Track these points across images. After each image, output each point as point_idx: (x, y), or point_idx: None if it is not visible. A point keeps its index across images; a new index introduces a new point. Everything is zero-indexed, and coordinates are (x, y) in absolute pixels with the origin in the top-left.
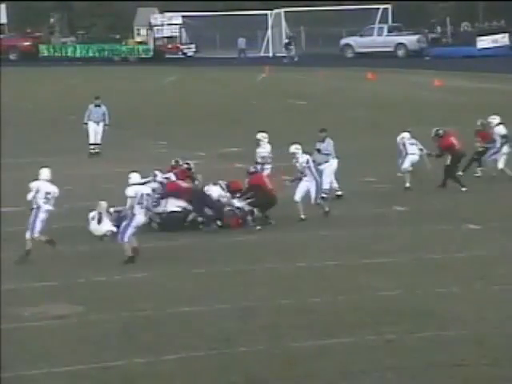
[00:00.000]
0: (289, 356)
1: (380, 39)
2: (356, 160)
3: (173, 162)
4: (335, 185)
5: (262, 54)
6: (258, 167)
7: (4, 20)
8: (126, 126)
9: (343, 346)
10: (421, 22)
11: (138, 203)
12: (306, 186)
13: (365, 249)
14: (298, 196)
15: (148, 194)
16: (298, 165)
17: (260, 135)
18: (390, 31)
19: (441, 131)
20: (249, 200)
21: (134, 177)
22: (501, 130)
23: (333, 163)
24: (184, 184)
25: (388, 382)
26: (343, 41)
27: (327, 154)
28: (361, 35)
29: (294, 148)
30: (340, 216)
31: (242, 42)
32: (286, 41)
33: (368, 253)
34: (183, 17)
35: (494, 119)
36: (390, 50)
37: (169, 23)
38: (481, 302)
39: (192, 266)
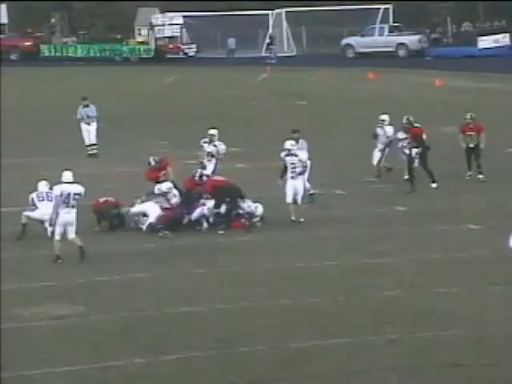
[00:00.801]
0: (289, 356)
1: (381, 39)
2: (356, 160)
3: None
4: (308, 184)
5: (263, 54)
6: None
7: (5, 20)
8: (127, 126)
9: (344, 346)
10: (422, 21)
11: (64, 202)
12: (294, 185)
13: (365, 249)
14: (289, 198)
15: (76, 194)
16: (294, 159)
17: (213, 131)
18: (390, 31)
19: (412, 118)
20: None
21: (66, 175)
22: None
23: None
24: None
25: (389, 382)
26: (344, 41)
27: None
28: (362, 35)
29: (290, 144)
30: (340, 216)
31: (231, 42)
32: (268, 41)
33: (368, 253)
34: (184, 17)
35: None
36: (391, 50)
37: (170, 23)
38: (481, 302)
39: (192, 266)
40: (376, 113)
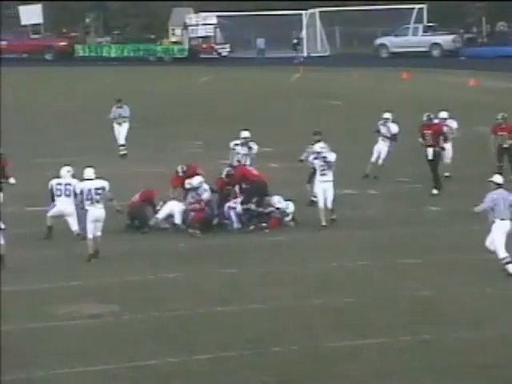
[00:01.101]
0: (321, 356)
1: (415, 39)
2: (390, 160)
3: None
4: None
5: (296, 54)
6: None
7: (40, 20)
8: (160, 126)
9: (376, 347)
10: (456, 21)
11: (87, 199)
12: (324, 188)
13: (398, 249)
14: (321, 202)
15: (97, 188)
16: (320, 162)
17: (247, 133)
18: (425, 31)
19: (433, 115)
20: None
21: (87, 172)
22: None
23: None
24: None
25: (421, 383)
26: (378, 41)
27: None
28: (396, 35)
29: (319, 147)
30: (374, 216)
31: (260, 42)
32: (295, 41)
33: (402, 253)
34: (218, 17)
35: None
36: (425, 49)
37: (203, 23)
38: None
39: (224, 265)
40: (410, 113)
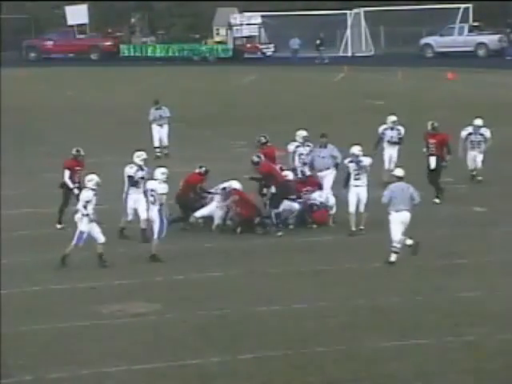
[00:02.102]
0: (366, 356)
1: (460, 39)
2: None
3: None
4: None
5: (340, 54)
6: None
7: (86, 20)
8: (205, 125)
9: (420, 347)
10: (502, 21)
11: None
12: (357, 193)
13: (443, 249)
14: (352, 207)
15: (152, 190)
16: (354, 166)
17: (305, 132)
18: (470, 31)
19: (437, 124)
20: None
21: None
22: None
23: (333, 171)
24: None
25: None
26: (423, 40)
27: (331, 159)
28: (441, 35)
29: (358, 150)
30: (418, 216)
31: (294, 42)
32: (318, 42)
33: (446, 253)
34: (262, 16)
35: None
36: (470, 49)
37: (248, 23)
38: None
39: (269, 265)
40: (455, 113)
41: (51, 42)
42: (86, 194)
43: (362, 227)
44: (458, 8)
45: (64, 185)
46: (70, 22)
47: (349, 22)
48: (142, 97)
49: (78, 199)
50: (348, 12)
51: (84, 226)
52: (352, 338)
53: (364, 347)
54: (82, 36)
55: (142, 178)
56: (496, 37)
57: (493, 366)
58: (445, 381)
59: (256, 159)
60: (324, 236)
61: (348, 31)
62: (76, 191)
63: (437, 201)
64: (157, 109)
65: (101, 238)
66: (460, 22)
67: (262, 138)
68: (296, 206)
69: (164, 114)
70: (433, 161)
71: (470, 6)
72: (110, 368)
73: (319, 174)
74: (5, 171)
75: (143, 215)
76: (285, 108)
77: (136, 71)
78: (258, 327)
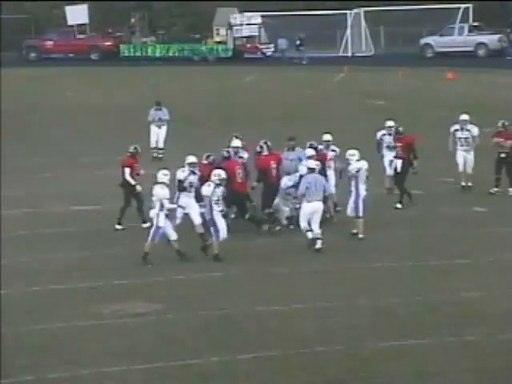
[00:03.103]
0: (366, 356)
1: (460, 39)
2: (434, 160)
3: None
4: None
5: (340, 54)
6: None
7: (86, 20)
8: (204, 125)
9: (420, 347)
10: (502, 21)
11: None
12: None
13: (443, 249)
14: (349, 211)
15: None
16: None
17: (329, 136)
18: (470, 31)
19: (401, 128)
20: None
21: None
22: None
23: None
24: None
25: None
26: (423, 40)
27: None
28: (441, 35)
29: (348, 154)
30: (418, 216)
31: (282, 42)
32: (298, 42)
33: (446, 254)
34: (262, 16)
35: None
36: (470, 49)
37: (248, 23)
38: None
39: (269, 265)
40: (454, 113)
41: (51, 42)
42: (163, 191)
43: (360, 236)
44: (458, 8)
45: (126, 183)
46: (70, 22)
47: (349, 22)
48: (142, 97)
49: (152, 195)
50: (348, 12)
51: (161, 221)
52: (352, 338)
53: (364, 347)
54: (82, 36)
55: (191, 183)
56: (496, 37)
57: (493, 365)
58: (445, 381)
59: (259, 149)
60: (324, 236)
61: (348, 31)
62: (139, 188)
63: (398, 206)
64: (157, 110)
65: (174, 235)
66: (460, 22)
67: (258, 148)
68: (287, 208)
69: (163, 116)
70: (399, 164)
71: (470, 6)
72: (110, 368)
73: (287, 176)
74: (5, 171)
75: (196, 220)
76: (285, 108)
77: (136, 71)
78: (258, 327)
